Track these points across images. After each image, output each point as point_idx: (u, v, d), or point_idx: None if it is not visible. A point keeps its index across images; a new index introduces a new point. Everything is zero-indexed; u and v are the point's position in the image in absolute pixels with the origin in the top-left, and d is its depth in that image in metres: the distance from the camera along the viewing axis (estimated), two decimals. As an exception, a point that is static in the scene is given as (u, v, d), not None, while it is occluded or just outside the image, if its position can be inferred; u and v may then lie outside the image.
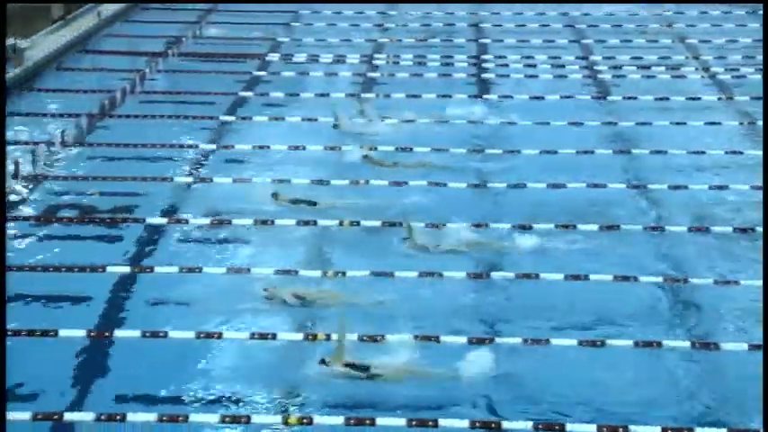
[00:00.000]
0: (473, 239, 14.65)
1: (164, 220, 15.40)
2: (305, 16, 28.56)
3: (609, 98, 21.74)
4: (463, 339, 12.17)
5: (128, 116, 19.96)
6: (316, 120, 19.92)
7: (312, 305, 12.90)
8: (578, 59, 24.56)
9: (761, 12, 27.19)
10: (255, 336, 12.10)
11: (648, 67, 23.62)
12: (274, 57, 24.59)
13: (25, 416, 10.37)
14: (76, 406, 10.81)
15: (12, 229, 15.12)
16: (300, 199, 15.94)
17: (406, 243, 14.47)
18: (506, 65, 24.11)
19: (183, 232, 15.12)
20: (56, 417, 10.47)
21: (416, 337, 12.12)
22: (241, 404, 10.89)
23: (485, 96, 21.87)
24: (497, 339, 12.22)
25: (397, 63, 24.23)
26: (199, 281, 13.54)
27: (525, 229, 15.14)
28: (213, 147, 18.61)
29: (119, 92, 19.93)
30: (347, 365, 11.37)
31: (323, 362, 11.39)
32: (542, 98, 21.53)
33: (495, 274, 13.78)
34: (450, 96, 21.61)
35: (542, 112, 20.52)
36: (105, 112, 19.58)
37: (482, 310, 13.07)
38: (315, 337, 12.14)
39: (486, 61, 24.39)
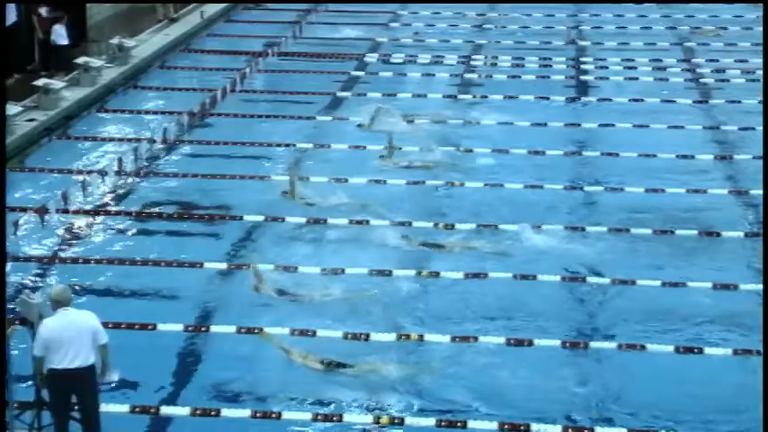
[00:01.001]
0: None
1: (260, 218, 15.56)
2: (404, 17, 28.60)
3: (711, 102, 21.31)
4: (557, 342, 12.04)
5: (227, 115, 20.21)
6: (412, 121, 19.93)
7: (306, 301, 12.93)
8: (680, 62, 24.13)
9: None
10: (348, 336, 12.13)
11: (753, 71, 23.07)
12: (372, 57, 24.68)
13: (123, 408, 10.57)
14: (173, 399, 10.97)
15: (113, 223, 15.43)
16: (308, 200, 16.02)
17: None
18: (606, 67, 23.80)
19: (280, 230, 15.23)
20: (152, 410, 10.65)
21: (509, 341, 12.04)
22: (334, 402, 10.94)
23: (583, 99, 21.65)
24: (592, 344, 12.07)
25: (495, 64, 24.11)
26: (294, 279, 13.61)
27: (621, 232, 14.93)
28: (310, 146, 18.74)
29: (219, 91, 20.18)
30: (322, 362, 11.41)
31: (300, 357, 11.48)
32: (642, 101, 21.21)
33: (590, 279, 13.61)
34: (548, 98, 21.45)
35: (642, 116, 20.21)
36: (206, 111, 19.83)
37: (577, 314, 12.92)
38: (408, 336, 12.13)
39: (585, 63, 24.12)
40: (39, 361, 9.55)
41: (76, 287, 12.89)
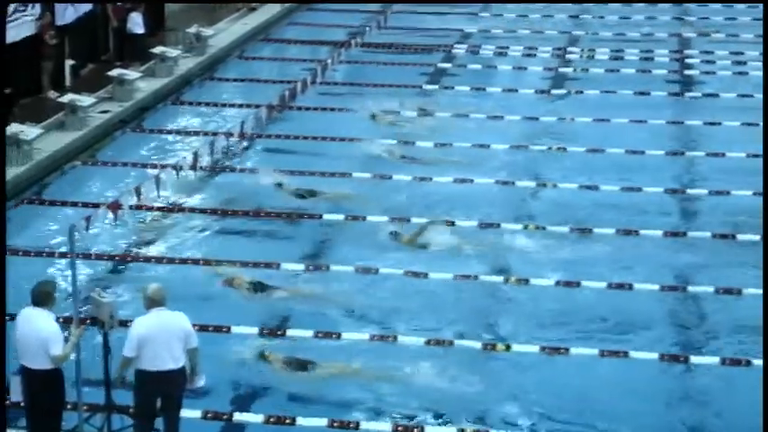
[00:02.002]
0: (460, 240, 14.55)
1: (340, 217, 15.62)
2: (495, 6, 28.48)
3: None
4: (654, 356, 11.90)
5: (307, 108, 20.33)
6: (502, 117, 19.85)
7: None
8: (794, 55, 23.65)
9: None
10: (432, 342, 12.13)
11: None
12: (461, 48, 24.64)
13: (195, 414, 10.66)
14: (246, 406, 11.05)
15: (187, 221, 15.60)
16: (304, 189, 16.20)
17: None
18: (712, 61, 23.43)
19: (361, 230, 15.27)
20: (225, 416, 10.75)
21: (603, 352, 11.93)
22: (415, 413, 10.94)
23: (687, 94, 21.34)
24: (693, 358, 11.90)
25: (592, 57, 23.89)
26: (376, 283, 13.65)
27: (725, 238, 14.68)
28: (393, 142, 18.76)
29: (299, 82, 20.30)
30: (286, 362, 11.44)
31: (262, 356, 11.58)
32: (752, 97, 20.81)
33: (692, 288, 13.41)
34: (648, 94, 21.18)
35: (751, 113, 19.81)
36: (285, 103, 19.95)
37: (676, 325, 12.76)
38: (494, 347, 12.08)
39: (690, 57, 23.77)
40: (126, 361, 9.65)
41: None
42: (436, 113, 20.12)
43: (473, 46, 24.79)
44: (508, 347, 12.06)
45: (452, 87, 21.80)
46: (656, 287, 13.41)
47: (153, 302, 9.72)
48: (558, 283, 13.52)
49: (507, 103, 20.67)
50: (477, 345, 12.11)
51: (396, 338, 12.20)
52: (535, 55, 24.08)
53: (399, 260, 14.15)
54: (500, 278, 13.73)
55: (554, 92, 21.49)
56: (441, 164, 17.55)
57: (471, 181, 16.83)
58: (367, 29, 25.08)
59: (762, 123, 18.38)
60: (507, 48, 24.51)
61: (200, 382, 10.03)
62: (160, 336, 9.57)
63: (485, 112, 20.06)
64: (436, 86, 21.93)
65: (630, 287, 13.40)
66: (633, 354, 11.92)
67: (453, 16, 27.26)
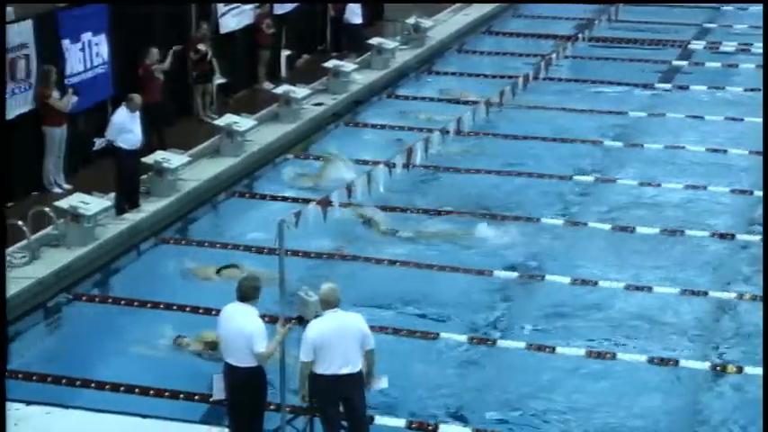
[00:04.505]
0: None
1: (559, 221, 15.48)
2: (739, -2, 27.71)
3: None
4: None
5: (527, 107, 20.21)
6: (742, 120, 19.26)
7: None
8: None
9: None
10: (655, 360, 11.88)
11: None
12: (699, 44, 24.04)
13: (399, 422, 10.74)
14: (453, 416, 11.05)
15: (399, 220, 15.73)
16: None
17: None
18: None
19: (580, 236, 15.09)
20: (430, 427, 10.79)
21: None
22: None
23: None
24: None
25: None
26: (595, 295, 13.43)
27: None
28: (620, 144, 18.48)
29: (521, 78, 20.18)
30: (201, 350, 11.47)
31: (177, 339, 11.76)
32: None
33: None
34: None
35: None
36: (504, 100, 19.85)
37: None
38: (724, 368, 11.73)
39: None
40: (304, 365, 9.78)
41: (352, 288, 13.25)
42: (668, 114, 19.72)
43: (712, 42, 24.13)
44: (740, 370, 11.68)
45: (687, 87, 21.30)
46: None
47: (327, 304, 9.77)
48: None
49: (748, 104, 20.03)
50: (705, 365, 11.80)
51: (615, 356, 12.00)
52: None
53: (619, 271, 13.93)
54: (732, 294, 13.32)
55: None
56: (670, 168, 17.20)
57: (704, 188, 16.40)
58: (596, 22, 24.72)
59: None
60: (751, 45, 23.75)
61: (381, 383, 10.05)
62: (336, 339, 9.62)
63: (722, 114, 19.52)
64: (669, 85, 21.48)
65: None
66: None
67: (691, 10, 26.59)
